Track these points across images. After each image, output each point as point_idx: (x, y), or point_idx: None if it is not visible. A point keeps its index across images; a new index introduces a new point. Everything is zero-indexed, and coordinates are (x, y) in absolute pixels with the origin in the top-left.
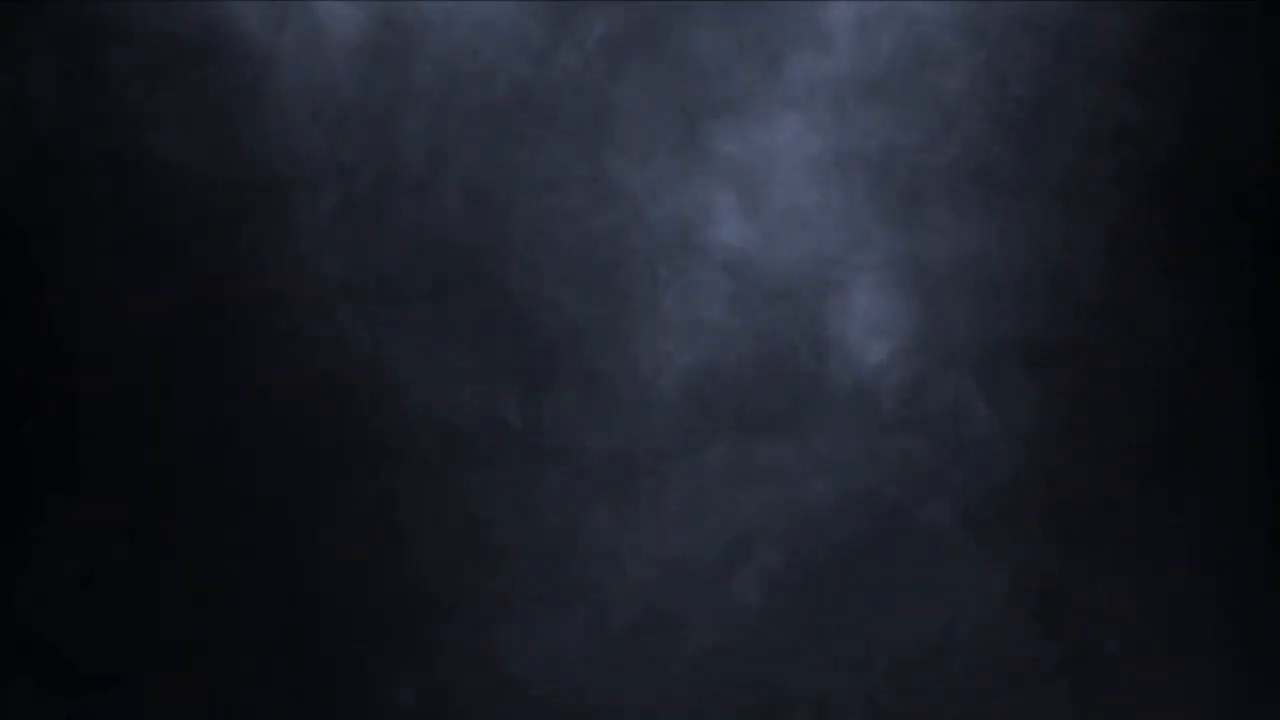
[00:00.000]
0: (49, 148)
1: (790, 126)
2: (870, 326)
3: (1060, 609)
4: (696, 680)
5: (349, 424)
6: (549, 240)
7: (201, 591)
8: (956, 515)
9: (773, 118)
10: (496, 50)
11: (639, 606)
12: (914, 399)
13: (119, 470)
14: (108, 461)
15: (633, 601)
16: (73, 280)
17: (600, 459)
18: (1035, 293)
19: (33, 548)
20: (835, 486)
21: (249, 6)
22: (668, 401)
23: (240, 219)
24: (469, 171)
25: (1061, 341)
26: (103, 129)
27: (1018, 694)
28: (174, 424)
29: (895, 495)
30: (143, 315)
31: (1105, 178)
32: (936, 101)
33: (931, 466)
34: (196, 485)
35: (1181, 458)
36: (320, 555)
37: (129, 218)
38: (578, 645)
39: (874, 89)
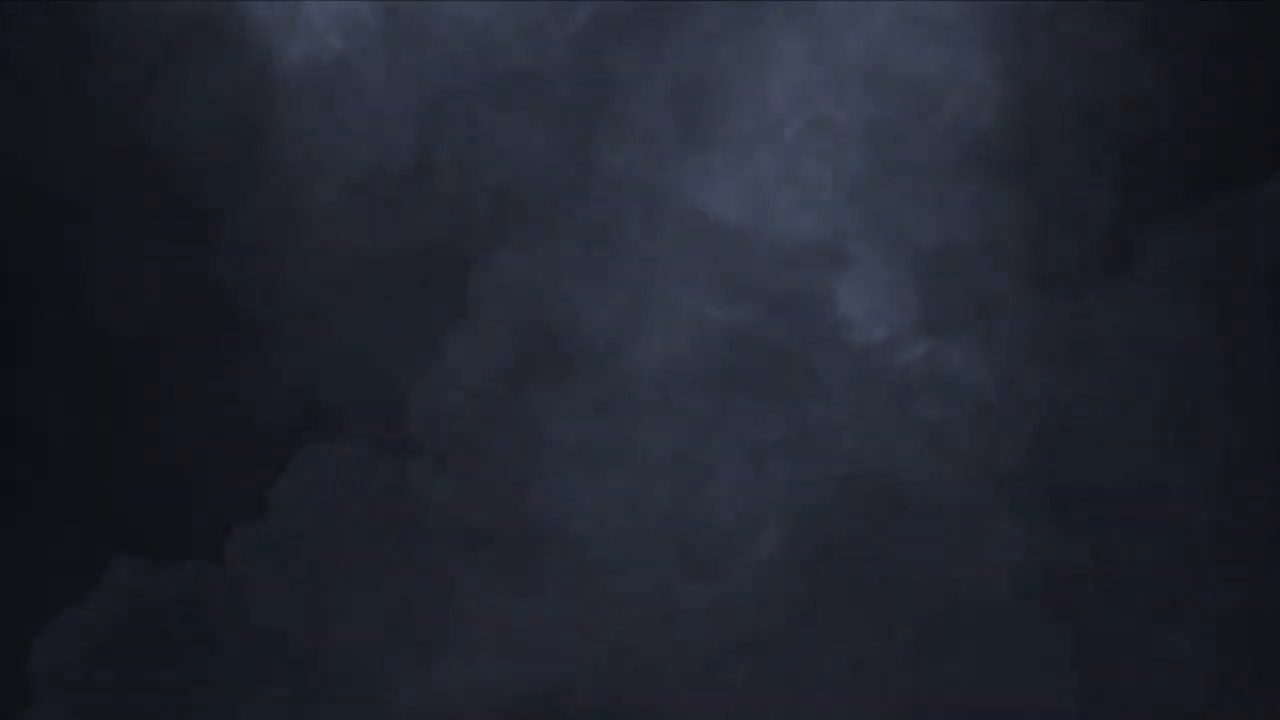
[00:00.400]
0: (53, 136)
1: (787, 105)
2: (870, 302)
3: (1067, 583)
4: (705, 661)
5: (348, 415)
6: (546, 224)
7: (196, 588)
8: (961, 491)
9: (769, 95)
10: (494, 35)
11: (644, 589)
12: (916, 374)
13: (114, 463)
14: (103, 452)
15: (638, 584)
16: (73, 263)
17: (602, 441)
18: (1037, 267)
19: (51, 525)
20: (839, 465)
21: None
22: (671, 382)
23: (242, 205)
24: (467, 158)
25: (1063, 316)
26: (108, 118)
27: (1023, 670)
28: (170, 418)
29: (899, 472)
30: (143, 298)
31: (1106, 148)
32: (933, 77)
33: (935, 442)
34: (195, 480)
35: (1192, 431)
36: (324, 546)
37: (131, 203)
38: (579, 630)
39: (871, 67)
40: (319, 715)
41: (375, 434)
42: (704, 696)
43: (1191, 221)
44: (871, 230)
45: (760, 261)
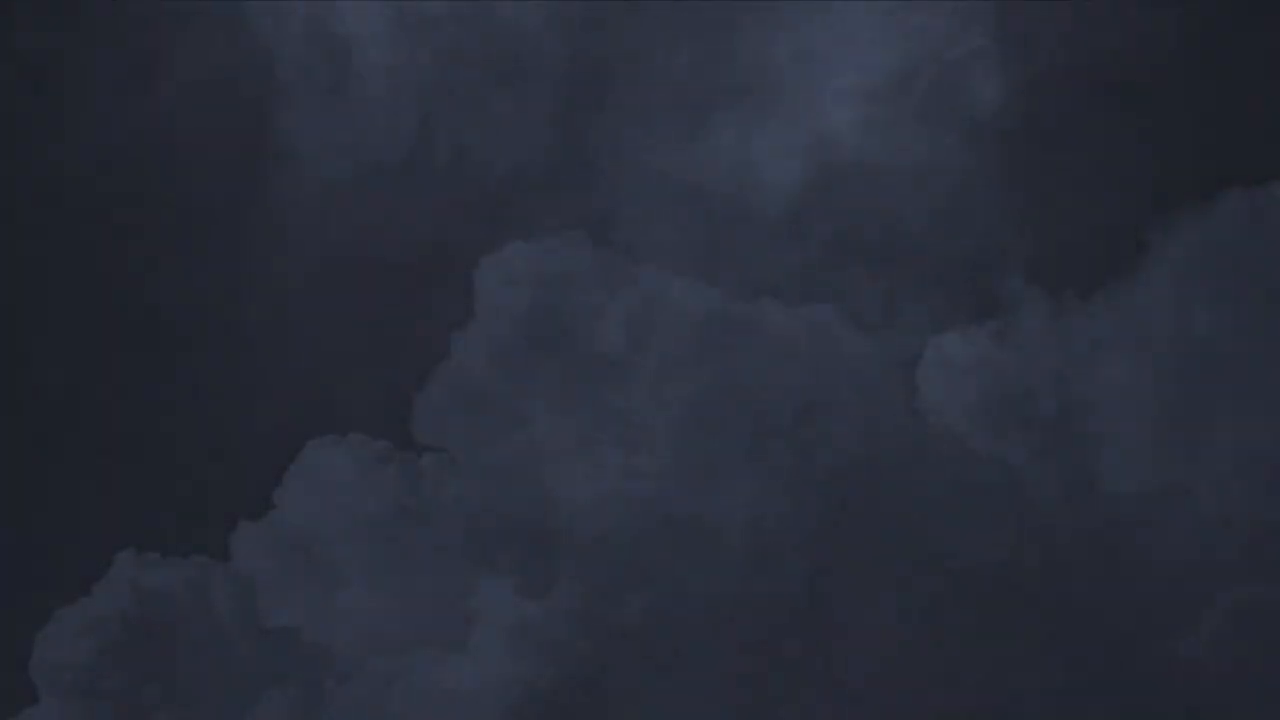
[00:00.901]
0: (50, 131)
1: (787, 91)
2: (874, 292)
3: (1072, 578)
4: (710, 651)
5: (354, 412)
6: (547, 219)
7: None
8: (968, 484)
9: (768, 83)
10: (492, 25)
11: (648, 581)
12: (920, 365)
13: (119, 460)
14: (108, 449)
15: (642, 577)
16: (75, 263)
17: (605, 436)
18: (1046, 262)
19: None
20: (841, 457)
21: None
22: (673, 376)
23: (244, 203)
24: (462, 147)
25: (1073, 310)
26: (108, 115)
27: (1026, 664)
28: (174, 416)
29: (903, 465)
30: (147, 296)
31: (1117, 142)
32: (921, 40)
33: (942, 436)
34: (192, 481)
35: (1203, 428)
36: (330, 543)
37: (133, 200)
38: (586, 623)
39: (858, 36)
40: (327, 713)
41: (381, 431)
42: (708, 686)
43: (1203, 219)
44: (878, 220)
45: (763, 252)
